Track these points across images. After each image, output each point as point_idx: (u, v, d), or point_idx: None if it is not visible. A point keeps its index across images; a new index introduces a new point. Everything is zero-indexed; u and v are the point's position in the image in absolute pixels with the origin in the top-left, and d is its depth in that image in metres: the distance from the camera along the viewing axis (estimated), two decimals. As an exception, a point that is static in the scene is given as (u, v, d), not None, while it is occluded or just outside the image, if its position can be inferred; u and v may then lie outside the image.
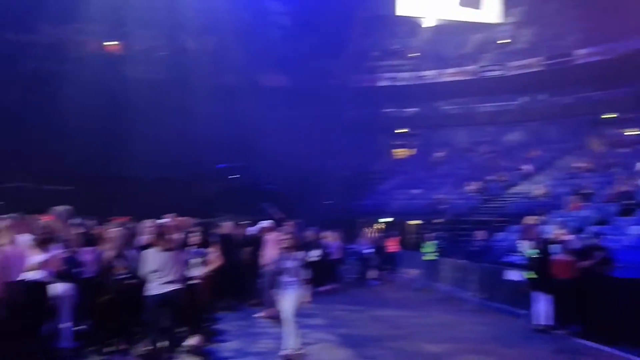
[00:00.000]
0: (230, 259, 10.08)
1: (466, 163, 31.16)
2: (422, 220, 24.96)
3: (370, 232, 19.87)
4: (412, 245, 19.69)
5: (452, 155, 32.94)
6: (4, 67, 26.37)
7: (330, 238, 15.73)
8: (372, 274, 17.23)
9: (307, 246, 14.13)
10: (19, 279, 6.07)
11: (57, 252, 6.58)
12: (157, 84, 27.71)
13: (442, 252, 15.61)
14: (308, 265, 7.59)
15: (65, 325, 7.00)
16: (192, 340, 7.95)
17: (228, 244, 10.47)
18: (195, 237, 8.21)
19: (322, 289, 14.01)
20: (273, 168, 26.88)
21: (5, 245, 6.06)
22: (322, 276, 14.04)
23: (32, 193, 22.01)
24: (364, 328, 9.93)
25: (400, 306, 12.66)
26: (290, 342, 7.21)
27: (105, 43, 29.94)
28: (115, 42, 30.11)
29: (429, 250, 15.64)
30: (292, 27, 31.64)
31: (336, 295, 13.87)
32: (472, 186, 26.77)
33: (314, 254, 13.99)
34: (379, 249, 18.25)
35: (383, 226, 24.73)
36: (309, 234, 14.95)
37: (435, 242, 15.87)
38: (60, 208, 7.46)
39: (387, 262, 18.48)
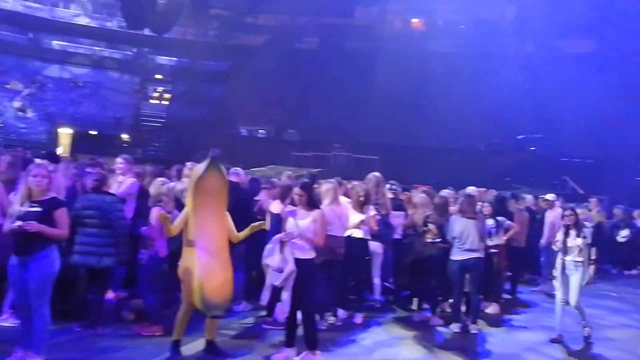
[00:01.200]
0: (531, 233, 10.00)
1: None
2: None
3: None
4: None
5: None
6: (327, 47, 29.84)
7: (643, 218, 14.27)
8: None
9: (614, 225, 13.16)
10: (341, 234, 7.06)
11: (371, 214, 7.43)
12: (457, 56, 28.07)
13: None
14: (593, 244, 7.07)
15: (375, 280, 7.93)
16: (490, 309, 8.26)
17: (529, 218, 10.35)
18: (489, 208, 8.35)
19: (630, 272, 12.96)
20: (575, 139, 25.18)
21: (328, 205, 7.03)
22: (631, 259, 12.97)
23: (346, 161, 24.71)
24: (680, 320, 8.94)
25: None
26: (582, 321, 6.97)
27: (410, 20, 31.42)
28: (418, 19, 31.35)
29: None
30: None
31: (647, 280, 12.63)
32: None
33: (622, 234, 12.96)
34: None
35: None
36: (617, 212, 13.80)
37: None
38: (374, 175, 8.31)
39: None
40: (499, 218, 8.36)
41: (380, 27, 30.88)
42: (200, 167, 5.51)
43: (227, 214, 5.64)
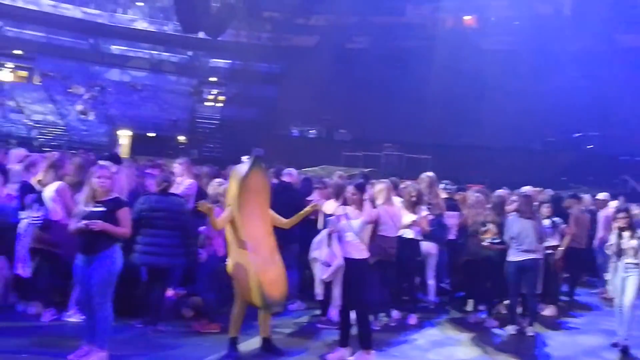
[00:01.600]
0: (592, 234, 9.71)
1: None
2: None
3: None
4: None
5: None
6: (378, 47, 29.77)
7: None
8: None
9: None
10: (394, 235, 7.04)
11: (424, 214, 7.39)
12: (511, 53, 27.53)
13: None
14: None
15: (429, 281, 7.88)
16: (547, 311, 8.09)
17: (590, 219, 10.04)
18: (547, 209, 8.15)
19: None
20: (635, 137, 24.28)
21: (381, 205, 7.03)
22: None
23: (397, 161, 24.58)
24: None
25: None
26: (623, 330, 6.63)
27: (462, 17, 30.98)
28: (470, 16, 30.88)
29: None
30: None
31: None
32: None
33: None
34: None
35: None
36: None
37: None
38: (427, 175, 8.25)
39: None
40: (555, 219, 8.15)
41: (432, 25, 30.62)
42: (244, 166, 5.60)
43: (271, 211, 5.72)
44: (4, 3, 34.62)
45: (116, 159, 7.72)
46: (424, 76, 26.53)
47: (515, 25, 29.81)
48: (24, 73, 37.36)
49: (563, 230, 8.27)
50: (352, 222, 5.64)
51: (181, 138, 33.21)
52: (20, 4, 35.00)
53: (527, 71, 26.29)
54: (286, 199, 6.92)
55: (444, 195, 8.35)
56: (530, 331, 7.06)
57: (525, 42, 28.28)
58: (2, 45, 35.50)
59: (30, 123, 31.15)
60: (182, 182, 7.35)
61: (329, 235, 5.61)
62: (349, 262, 5.56)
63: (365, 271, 5.70)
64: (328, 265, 5.54)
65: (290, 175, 7.98)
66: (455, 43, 28.05)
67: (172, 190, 6.91)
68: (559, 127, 26.33)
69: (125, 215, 5.20)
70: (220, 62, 38.87)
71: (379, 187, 7.14)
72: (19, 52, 35.75)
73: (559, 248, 8.13)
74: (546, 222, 7.84)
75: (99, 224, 4.97)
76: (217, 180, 6.86)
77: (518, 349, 6.62)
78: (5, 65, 36.59)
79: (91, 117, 33.23)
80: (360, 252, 5.66)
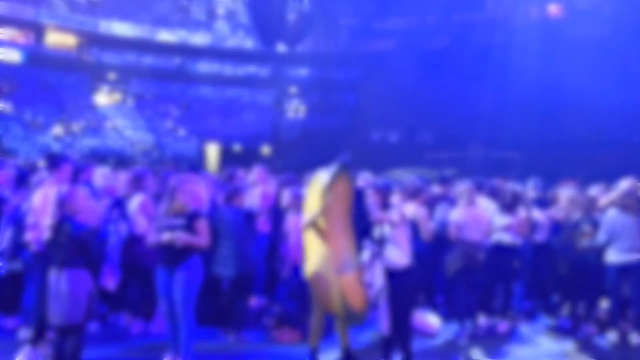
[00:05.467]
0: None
1: None
2: None
3: None
4: None
5: None
6: (459, 45, 29.07)
7: None
8: None
9: None
10: (478, 239, 6.65)
11: (521, 215, 6.96)
12: (603, 41, 25.99)
13: None
14: None
15: (520, 286, 7.41)
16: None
17: None
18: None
19: None
20: None
21: (463, 208, 6.70)
22: None
23: (483, 160, 23.77)
24: None
25: None
26: None
27: (547, 7, 29.64)
28: (555, 5, 29.48)
29: None
30: None
31: None
32: None
33: None
34: None
35: None
36: None
37: None
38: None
39: None
40: None
41: (514, 18, 29.48)
42: (327, 172, 5.42)
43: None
44: (98, 32, 36.87)
45: (194, 171, 7.84)
46: (509, 71, 25.58)
47: (605, 11, 28.13)
48: (118, 95, 39.59)
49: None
50: (386, 230, 5.33)
51: (266, 149, 33.88)
52: (112, 32, 37.16)
53: (621, 59, 24.73)
54: (361, 205, 6.75)
55: (532, 193, 7.87)
56: (635, 339, 6.49)
57: (618, 29, 26.59)
58: (99, 71, 37.83)
59: (126, 142, 32.77)
60: (265, 194, 7.31)
61: (372, 255, 5.34)
62: (389, 274, 5.26)
63: (404, 281, 5.32)
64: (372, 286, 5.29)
65: (365, 179, 7.78)
66: (540, 35, 26.89)
67: (255, 200, 6.94)
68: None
69: (203, 226, 5.25)
70: (299, 73, 39.40)
71: (460, 189, 6.84)
72: (113, 75, 37.90)
73: None
74: None
75: (182, 238, 5.04)
76: (289, 188, 6.83)
77: (621, 358, 6.17)
78: (102, 89, 38.94)
79: (182, 133, 34.58)
80: (400, 260, 5.32)
